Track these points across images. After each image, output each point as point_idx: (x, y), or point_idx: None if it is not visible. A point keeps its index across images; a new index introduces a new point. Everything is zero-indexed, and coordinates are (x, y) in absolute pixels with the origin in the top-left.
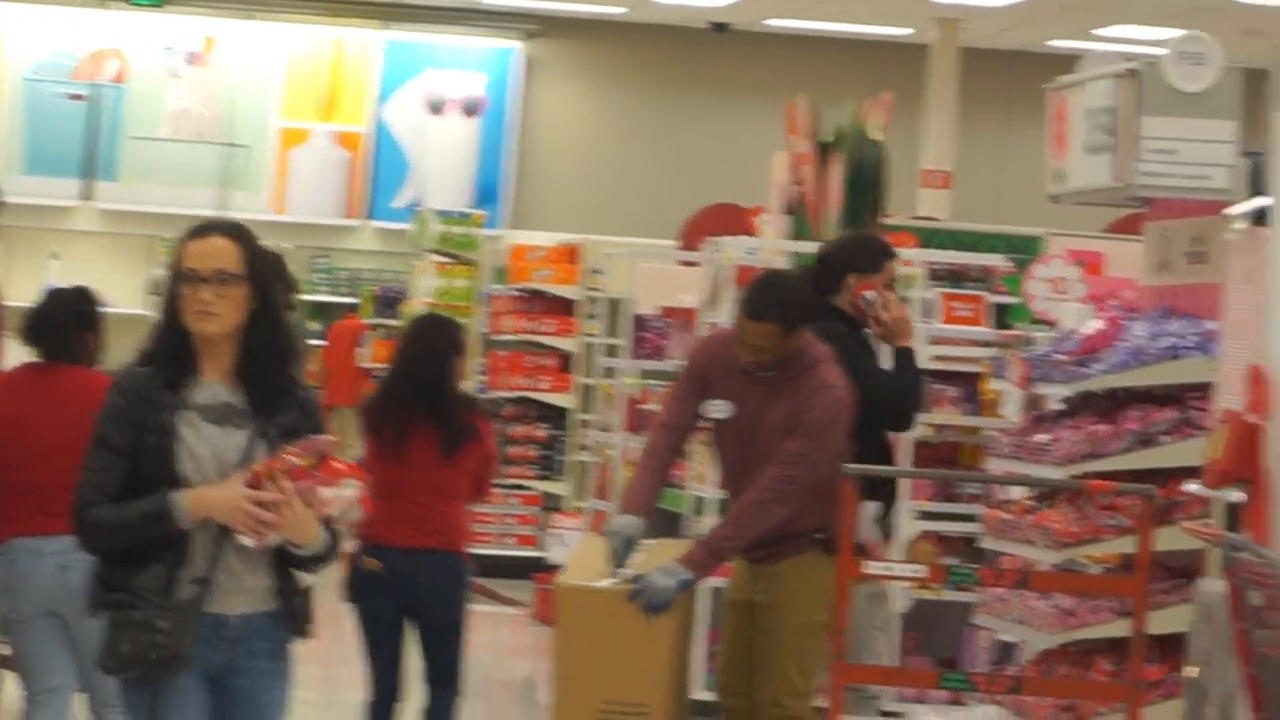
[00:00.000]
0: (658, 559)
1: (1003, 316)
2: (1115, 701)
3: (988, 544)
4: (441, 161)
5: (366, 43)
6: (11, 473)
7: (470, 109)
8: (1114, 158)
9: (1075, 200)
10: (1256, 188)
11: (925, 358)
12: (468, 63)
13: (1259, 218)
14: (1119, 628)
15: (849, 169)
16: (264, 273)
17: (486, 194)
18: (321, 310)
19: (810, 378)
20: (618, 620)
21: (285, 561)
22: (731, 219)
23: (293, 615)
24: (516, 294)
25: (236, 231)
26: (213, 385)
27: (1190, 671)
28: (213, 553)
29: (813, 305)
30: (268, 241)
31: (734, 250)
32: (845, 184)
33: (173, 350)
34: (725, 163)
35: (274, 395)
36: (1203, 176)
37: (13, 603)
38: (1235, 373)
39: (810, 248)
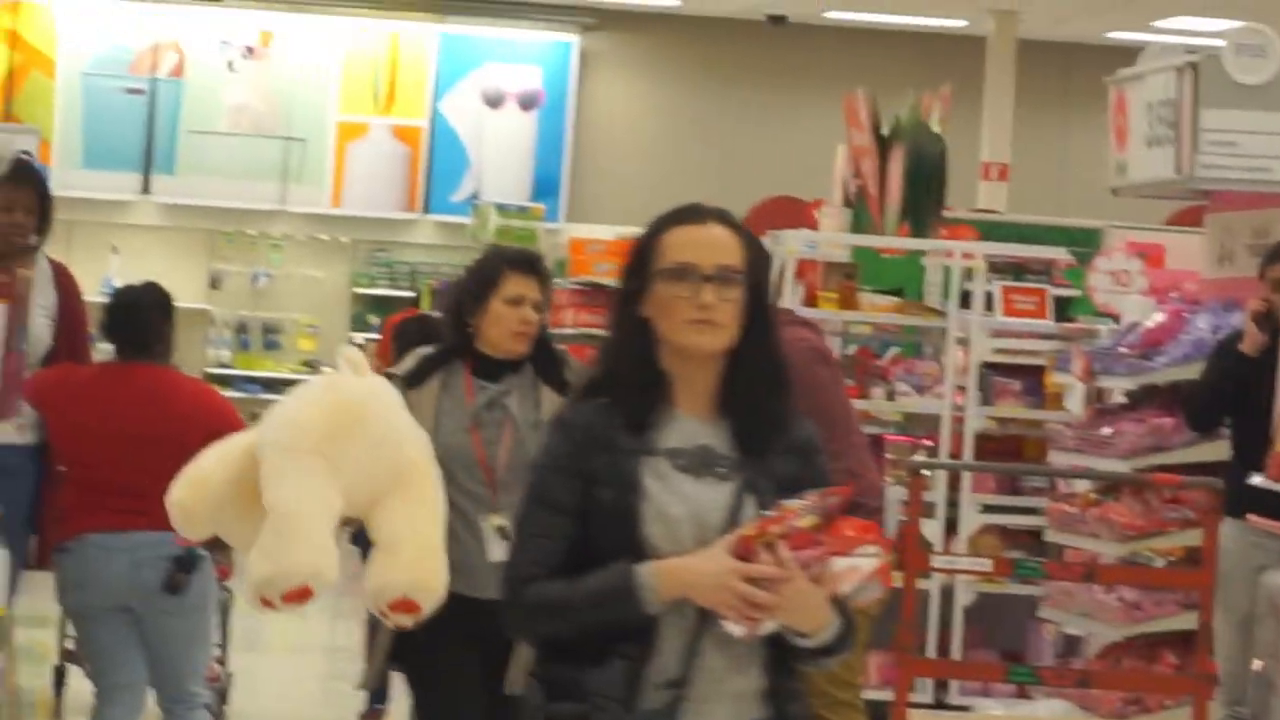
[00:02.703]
0: None
1: (1064, 309)
2: (1182, 694)
3: (1052, 537)
4: (499, 155)
5: (423, 36)
6: (85, 469)
7: (527, 102)
8: (1174, 150)
9: (1136, 193)
10: None
11: (987, 351)
12: (524, 56)
13: None
14: (1185, 620)
15: (909, 162)
16: (764, 275)
17: (545, 187)
18: (381, 304)
19: None
20: None
21: (783, 655)
22: (791, 212)
23: None
24: (576, 287)
25: (733, 220)
26: (687, 422)
27: (1257, 664)
28: (688, 645)
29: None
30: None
31: (794, 243)
32: (906, 177)
33: (638, 375)
34: (784, 156)
35: (768, 435)
36: (1263, 169)
37: (83, 598)
38: None
39: (870, 241)
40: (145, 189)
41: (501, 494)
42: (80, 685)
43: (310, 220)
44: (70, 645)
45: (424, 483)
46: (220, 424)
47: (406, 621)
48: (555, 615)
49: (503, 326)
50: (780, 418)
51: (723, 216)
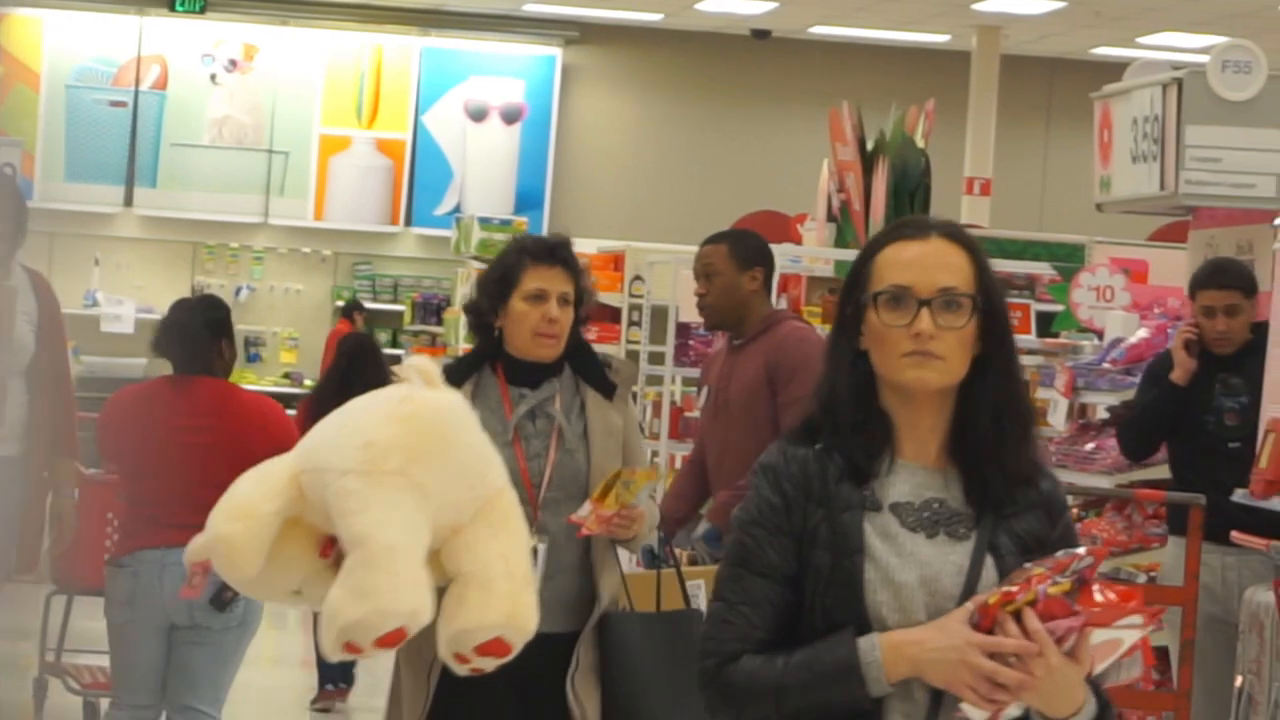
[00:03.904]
0: None
1: (1048, 325)
2: (1163, 710)
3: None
4: (482, 168)
5: (406, 50)
6: (138, 485)
7: (511, 116)
8: (1159, 166)
9: (1121, 208)
10: None
11: None
12: (508, 70)
13: None
14: (1166, 636)
15: (893, 176)
16: (999, 298)
17: (528, 201)
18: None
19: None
20: None
21: None
22: (775, 226)
23: None
24: None
25: (962, 234)
26: (914, 472)
27: (1239, 680)
28: None
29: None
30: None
31: (778, 258)
32: (890, 191)
33: (856, 417)
34: (768, 170)
35: (1010, 487)
36: (1248, 185)
37: (131, 614)
38: None
39: (854, 255)
40: (128, 202)
41: (544, 513)
42: (61, 699)
43: (292, 233)
44: (51, 658)
45: (508, 509)
46: (282, 434)
47: (489, 666)
48: (764, 698)
49: (525, 326)
50: (1021, 467)
51: (949, 229)
